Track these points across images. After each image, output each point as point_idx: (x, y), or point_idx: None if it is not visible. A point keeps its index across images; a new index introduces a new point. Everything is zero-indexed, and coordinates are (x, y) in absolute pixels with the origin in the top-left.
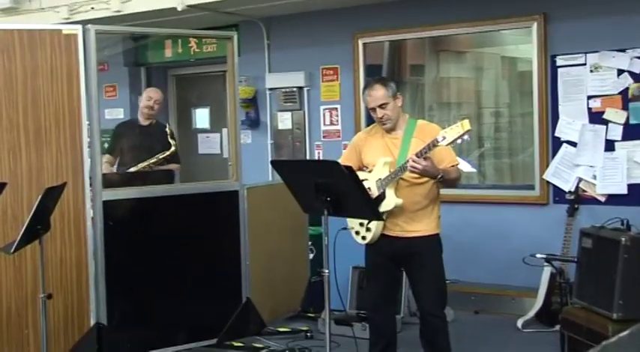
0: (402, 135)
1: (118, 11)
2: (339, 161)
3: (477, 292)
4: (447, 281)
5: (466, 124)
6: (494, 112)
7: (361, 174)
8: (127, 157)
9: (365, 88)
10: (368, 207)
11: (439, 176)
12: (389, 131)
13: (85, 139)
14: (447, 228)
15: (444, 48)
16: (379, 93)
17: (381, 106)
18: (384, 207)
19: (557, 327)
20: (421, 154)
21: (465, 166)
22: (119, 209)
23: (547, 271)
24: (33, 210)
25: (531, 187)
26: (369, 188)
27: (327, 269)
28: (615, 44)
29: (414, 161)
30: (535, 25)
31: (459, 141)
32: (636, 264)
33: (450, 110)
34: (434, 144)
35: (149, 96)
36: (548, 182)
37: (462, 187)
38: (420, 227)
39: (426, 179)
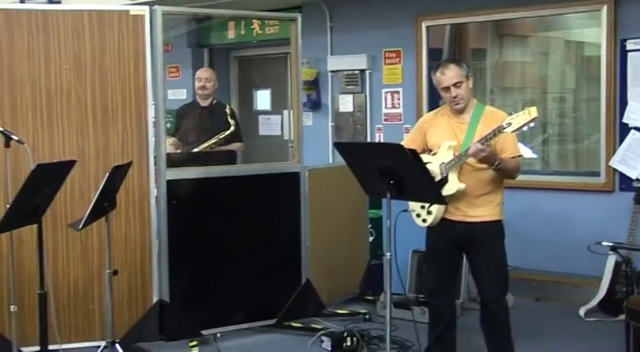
0: (468, 119)
1: None
2: (404, 142)
3: (538, 279)
4: (509, 268)
5: (533, 111)
6: (559, 97)
7: (425, 157)
8: (189, 138)
9: (438, 67)
10: (431, 190)
11: (496, 163)
12: (457, 114)
13: (151, 119)
14: (509, 214)
15: (507, 32)
16: (454, 72)
17: (455, 85)
18: (446, 191)
19: (621, 317)
20: (485, 140)
21: (526, 152)
22: (182, 188)
23: (612, 259)
24: (100, 188)
25: (596, 174)
26: (432, 171)
27: (388, 252)
28: None
29: (476, 147)
30: (605, 9)
31: (524, 128)
32: None
33: (512, 95)
34: (499, 129)
35: (199, 77)
36: (614, 169)
37: (524, 173)
38: (482, 212)
39: None
